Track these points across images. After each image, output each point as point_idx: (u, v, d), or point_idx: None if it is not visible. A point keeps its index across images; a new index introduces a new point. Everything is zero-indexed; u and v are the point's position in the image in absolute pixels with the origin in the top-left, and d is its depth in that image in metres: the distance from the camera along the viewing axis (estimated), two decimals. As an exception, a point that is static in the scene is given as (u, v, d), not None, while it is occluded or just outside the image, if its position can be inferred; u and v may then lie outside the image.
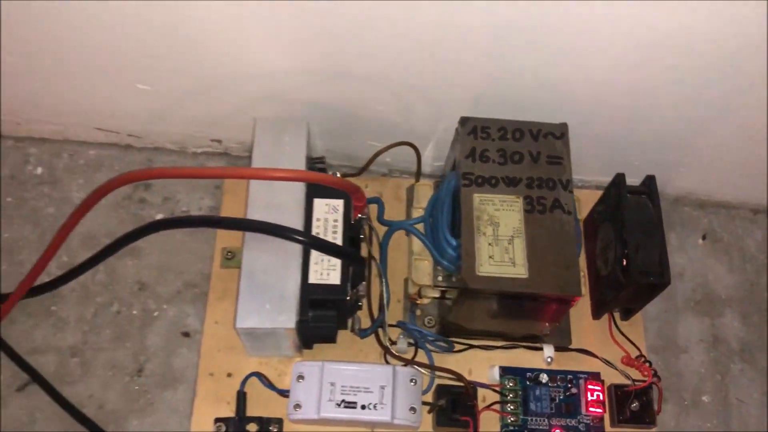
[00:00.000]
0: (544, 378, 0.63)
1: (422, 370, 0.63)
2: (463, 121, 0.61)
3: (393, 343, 0.65)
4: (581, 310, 0.68)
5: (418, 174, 0.72)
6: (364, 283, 0.61)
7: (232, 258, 0.68)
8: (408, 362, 0.63)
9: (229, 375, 0.64)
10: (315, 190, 0.62)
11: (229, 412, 0.62)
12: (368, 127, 0.71)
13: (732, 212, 0.80)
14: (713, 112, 0.65)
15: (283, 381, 0.63)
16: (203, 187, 0.74)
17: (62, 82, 0.67)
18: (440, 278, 0.62)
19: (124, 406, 0.65)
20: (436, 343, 0.65)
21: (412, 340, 0.65)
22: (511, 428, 0.62)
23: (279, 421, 0.62)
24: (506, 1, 0.54)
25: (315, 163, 0.67)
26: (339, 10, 0.56)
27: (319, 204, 0.62)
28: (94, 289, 0.69)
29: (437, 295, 0.64)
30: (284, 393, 0.62)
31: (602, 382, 0.64)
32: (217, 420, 0.61)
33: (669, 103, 0.64)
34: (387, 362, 0.64)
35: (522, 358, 0.66)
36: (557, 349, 0.66)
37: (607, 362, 0.65)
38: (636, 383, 0.64)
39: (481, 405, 0.62)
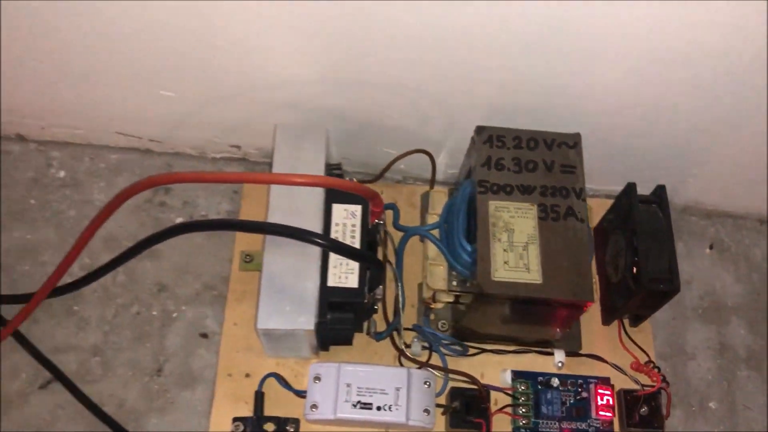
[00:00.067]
0: (555, 382, 0.65)
1: (436, 373, 0.64)
2: (479, 130, 0.63)
3: (407, 346, 0.66)
4: (591, 317, 0.69)
5: (432, 181, 0.73)
6: (381, 286, 0.63)
7: (250, 261, 0.69)
8: (422, 365, 0.65)
9: (247, 375, 0.65)
10: (333, 196, 0.63)
11: (247, 411, 0.63)
12: (384, 134, 0.73)
13: (739, 222, 0.81)
14: (723, 125, 0.66)
15: (300, 382, 0.65)
16: (222, 192, 0.76)
17: (88, 88, 0.69)
18: (455, 283, 0.64)
19: (144, 405, 0.66)
20: (450, 347, 0.66)
21: (426, 344, 0.66)
22: (523, 431, 0.64)
23: (296, 421, 0.63)
24: (522, 14, 0.56)
25: (332, 169, 0.69)
26: (359, 20, 0.58)
27: (338, 209, 0.63)
28: (115, 290, 0.71)
29: (451, 299, 0.65)
30: (301, 393, 0.63)
31: (612, 386, 0.66)
32: (236, 419, 0.63)
33: (680, 115, 0.65)
34: (401, 365, 0.66)
35: (533, 362, 0.67)
36: (568, 354, 0.67)
37: (617, 367, 0.67)
38: (645, 388, 0.65)
39: (493, 408, 0.64)
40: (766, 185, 0.75)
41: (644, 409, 0.64)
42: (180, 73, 0.66)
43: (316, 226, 0.61)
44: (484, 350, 0.67)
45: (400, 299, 0.66)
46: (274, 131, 0.66)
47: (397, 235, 0.71)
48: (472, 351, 0.67)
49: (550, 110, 0.65)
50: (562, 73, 0.62)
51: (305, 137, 0.66)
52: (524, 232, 0.58)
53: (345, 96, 0.68)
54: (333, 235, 0.62)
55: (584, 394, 0.65)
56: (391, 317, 0.67)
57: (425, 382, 0.61)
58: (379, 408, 0.60)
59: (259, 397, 0.63)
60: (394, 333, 0.66)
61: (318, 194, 0.63)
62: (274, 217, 0.61)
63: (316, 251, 0.61)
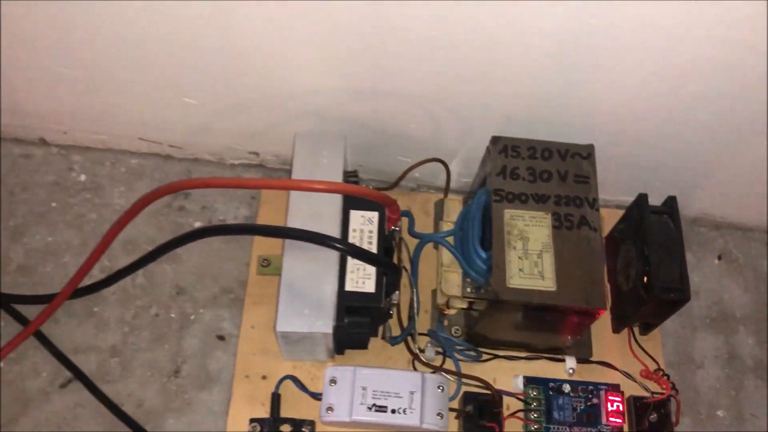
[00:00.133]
0: (566, 388, 0.66)
1: (450, 378, 0.65)
2: (495, 140, 0.64)
3: (421, 351, 0.67)
4: (602, 324, 0.71)
5: (446, 189, 0.74)
6: (397, 292, 0.64)
7: (267, 265, 0.70)
8: (436, 369, 0.66)
9: (263, 377, 0.67)
10: (351, 202, 0.65)
11: (263, 413, 0.65)
12: (400, 143, 0.74)
13: (747, 234, 0.82)
14: (732, 139, 0.68)
15: (316, 384, 0.66)
16: (240, 197, 0.77)
17: (112, 95, 0.71)
18: (469, 290, 0.65)
19: (162, 405, 0.67)
20: (464, 352, 0.68)
21: (439, 349, 0.68)
22: (534, 436, 0.65)
23: (311, 423, 0.64)
24: (539, 29, 0.57)
25: (349, 176, 0.70)
26: (378, 31, 0.60)
27: (355, 215, 0.64)
28: (134, 292, 0.72)
29: (465, 306, 0.67)
30: (317, 396, 0.64)
31: (622, 393, 0.67)
32: (252, 420, 0.64)
33: (690, 128, 0.67)
34: (415, 369, 0.67)
35: (545, 368, 0.68)
36: (579, 361, 0.68)
37: (627, 374, 0.68)
38: (654, 395, 0.67)
39: (505, 413, 0.65)
40: (774, 198, 0.76)
41: (654, 416, 0.66)
42: (203, 82, 0.67)
43: (334, 232, 0.63)
44: (496, 356, 0.68)
45: (415, 305, 0.67)
46: (294, 139, 0.67)
47: (412, 242, 0.72)
48: (484, 357, 0.68)
49: (564, 122, 0.67)
50: (576, 86, 0.63)
51: (323, 145, 0.67)
52: (539, 241, 0.60)
53: (363, 105, 0.70)
54: (350, 241, 0.63)
55: (595, 400, 0.66)
56: (405, 322, 0.68)
57: (439, 387, 0.63)
58: (393, 411, 0.61)
59: (276, 399, 0.65)
60: (409, 338, 0.67)
61: (336, 201, 0.64)
62: (294, 223, 0.62)
63: (334, 256, 0.62)
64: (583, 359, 0.69)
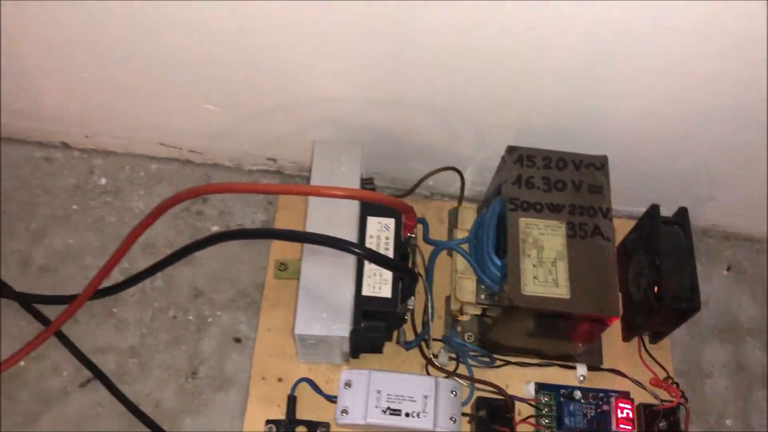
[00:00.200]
0: (577, 394, 0.67)
1: (463, 382, 0.66)
2: (510, 150, 0.66)
3: (435, 356, 0.68)
4: (612, 333, 0.72)
5: (461, 197, 0.76)
6: (412, 297, 0.65)
7: (284, 270, 0.72)
8: (449, 374, 0.67)
9: (279, 380, 0.68)
10: (368, 209, 0.66)
11: (279, 414, 0.66)
12: (415, 151, 0.75)
13: (756, 246, 0.83)
14: (744, 152, 0.69)
15: (331, 387, 0.67)
16: (257, 202, 0.79)
17: (135, 101, 0.72)
18: (482, 296, 0.66)
19: (179, 406, 0.69)
20: (477, 358, 0.69)
21: (452, 354, 0.69)
22: (546, 441, 0.66)
23: (326, 425, 0.65)
24: (557, 42, 0.59)
25: (365, 184, 0.71)
26: (397, 42, 0.61)
27: (372, 222, 0.66)
28: (153, 294, 0.74)
29: (478, 312, 0.68)
30: (332, 398, 0.65)
31: (632, 400, 0.68)
32: (268, 422, 0.65)
33: (703, 141, 0.68)
34: (429, 374, 0.68)
35: (556, 375, 0.69)
36: (589, 368, 0.69)
37: (637, 382, 0.69)
38: (663, 403, 0.67)
39: (517, 418, 0.66)
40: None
41: (663, 424, 0.67)
42: (225, 89, 0.69)
43: (352, 238, 0.64)
44: (508, 362, 0.69)
45: (430, 310, 0.68)
46: (313, 147, 0.69)
47: (426, 249, 0.73)
48: (497, 363, 0.69)
49: (578, 132, 0.68)
50: (591, 98, 0.65)
51: (342, 152, 0.69)
52: (553, 249, 0.61)
53: (380, 114, 0.71)
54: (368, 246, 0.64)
55: (605, 407, 0.67)
56: (419, 328, 0.69)
57: (452, 391, 0.64)
58: (407, 414, 0.62)
59: (292, 401, 0.66)
60: (423, 343, 0.68)
61: (353, 207, 0.66)
62: (313, 228, 0.64)
63: (351, 262, 0.63)
64: (594, 367, 0.70)
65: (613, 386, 0.69)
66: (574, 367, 0.69)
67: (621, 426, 0.66)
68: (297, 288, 0.62)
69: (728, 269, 0.82)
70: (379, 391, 0.63)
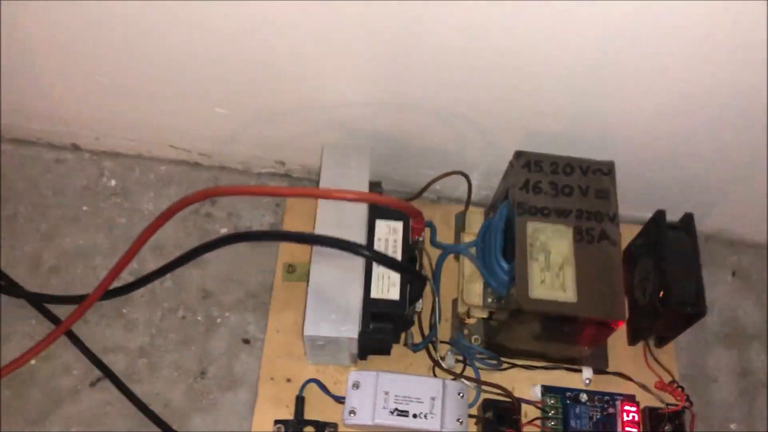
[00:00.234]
0: (583, 397, 0.68)
1: (469, 384, 0.67)
2: (518, 155, 0.66)
3: (442, 358, 0.69)
4: (618, 337, 0.72)
5: (468, 202, 0.76)
6: (420, 300, 0.66)
7: (293, 272, 0.72)
8: (457, 376, 0.67)
9: (288, 380, 0.68)
10: (376, 212, 0.66)
11: (287, 414, 0.66)
12: (422, 155, 0.76)
13: (761, 252, 0.84)
14: (750, 158, 0.69)
15: (339, 388, 0.67)
16: (265, 205, 0.79)
17: (146, 104, 0.73)
18: (490, 300, 0.67)
19: (188, 405, 0.69)
20: (484, 360, 0.69)
21: (459, 357, 0.69)
22: (552, 443, 0.67)
23: (334, 426, 0.66)
24: (564, 48, 0.59)
25: (373, 187, 0.72)
26: (406, 47, 0.62)
27: (381, 225, 0.66)
28: (162, 295, 0.74)
29: (485, 315, 0.68)
30: (340, 399, 0.66)
31: (637, 404, 0.68)
32: (277, 422, 0.66)
33: (709, 147, 0.69)
34: (436, 376, 0.69)
35: (562, 378, 0.70)
36: (595, 371, 0.70)
37: (642, 386, 0.69)
38: (669, 407, 0.68)
39: (523, 420, 0.66)
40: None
41: (668, 427, 0.67)
42: (236, 93, 0.69)
43: (361, 241, 0.64)
44: (515, 365, 0.70)
45: (437, 313, 0.69)
46: (322, 150, 0.69)
47: (434, 252, 0.74)
48: (504, 365, 0.70)
49: (585, 138, 0.69)
50: (598, 103, 0.65)
51: (350, 156, 0.69)
52: (560, 253, 0.61)
53: (388, 118, 0.72)
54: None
55: (611, 410, 0.68)
56: (426, 330, 0.70)
57: (459, 393, 0.64)
58: (414, 416, 0.63)
59: (300, 402, 0.66)
60: (430, 345, 0.69)
61: (362, 210, 0.66)
62: (322, 231, 0.64)
63: (359, 264, 0.64)
64: (600, 370, 0.70)
65: (619, 389, 0.69)
66: (580, 371, 0.70)
67: (627, 429, 0.67)
68: (306, 290, 0.63)
69: (733, 275, 0.82)
70: (386, 393, 0.63)
